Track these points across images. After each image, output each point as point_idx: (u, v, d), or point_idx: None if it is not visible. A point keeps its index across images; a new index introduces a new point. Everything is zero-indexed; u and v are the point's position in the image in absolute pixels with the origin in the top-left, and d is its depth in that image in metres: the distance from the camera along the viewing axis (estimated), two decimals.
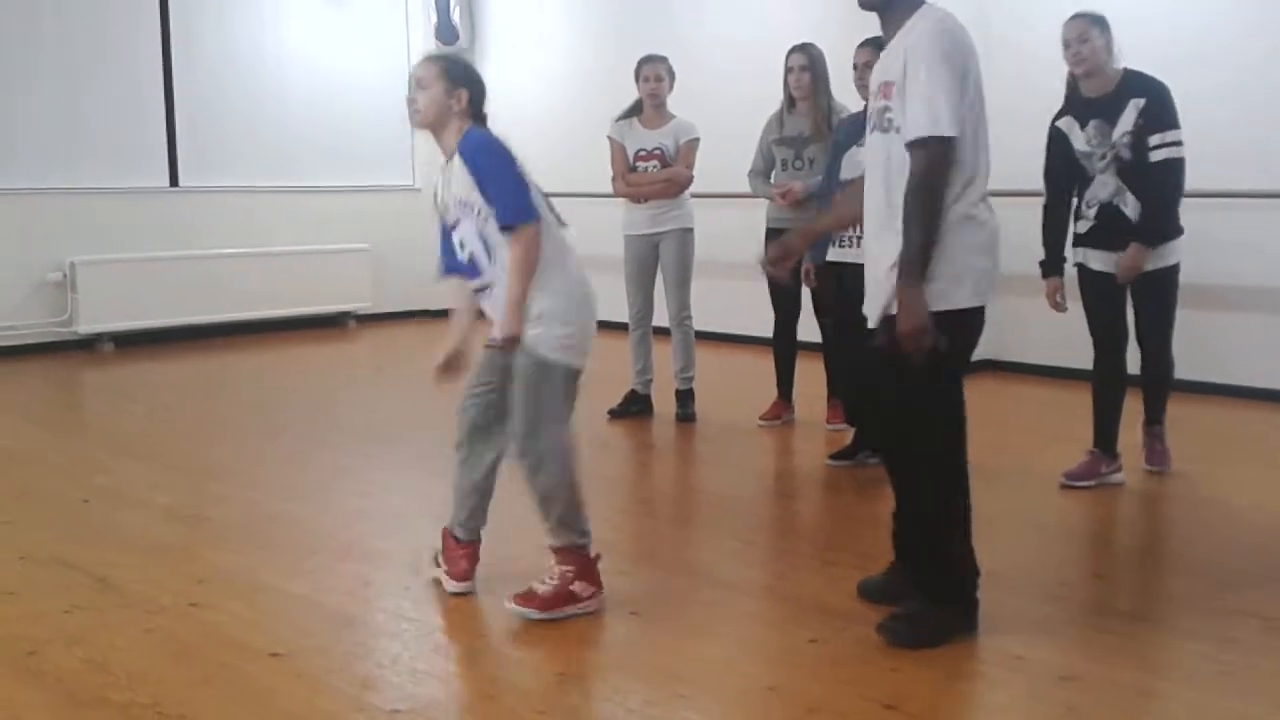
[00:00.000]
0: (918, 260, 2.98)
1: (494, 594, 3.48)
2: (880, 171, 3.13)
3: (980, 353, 7.40)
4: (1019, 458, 5.11)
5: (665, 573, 3.77)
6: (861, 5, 3.22)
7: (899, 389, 3.13)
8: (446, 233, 3.44)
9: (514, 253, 3.26)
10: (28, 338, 8.18)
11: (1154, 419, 4.82)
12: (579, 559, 3.36)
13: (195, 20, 8.92)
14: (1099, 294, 4.60)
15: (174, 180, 8.93)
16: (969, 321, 3.17)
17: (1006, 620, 3.30)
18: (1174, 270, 4.55)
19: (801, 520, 4.18)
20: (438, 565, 3.58)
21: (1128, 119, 4.39)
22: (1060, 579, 3.78)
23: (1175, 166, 4.40)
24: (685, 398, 6.01)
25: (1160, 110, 4.37)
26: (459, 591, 3.48)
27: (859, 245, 4.26)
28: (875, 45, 4.69)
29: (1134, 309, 4.63)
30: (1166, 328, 4.63)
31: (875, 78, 3.22)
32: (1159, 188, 4.42)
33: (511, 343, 3.27)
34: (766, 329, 5.81)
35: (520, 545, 3.75)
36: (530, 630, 3.27)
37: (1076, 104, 4.57)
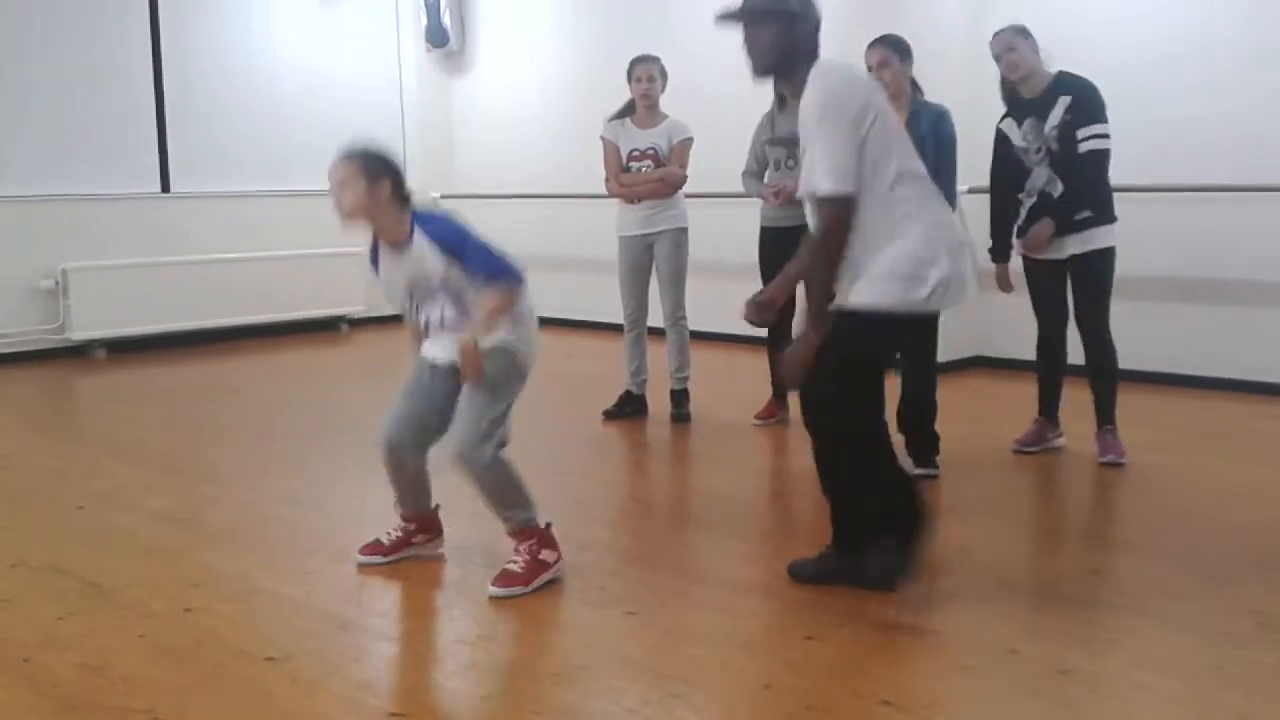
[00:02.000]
0: (817, 302, 3.25)
1: (487, 596, 3.48)
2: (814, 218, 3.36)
3: (967, 348, 7.51)
4: (1006, 452, 5.12)
5: (661, 572, 3.77)
6: (754, 75, 3.46)
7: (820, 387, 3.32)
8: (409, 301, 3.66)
9: (498, 299, 3.48)
10: (20, 345, 8.15)
11: (1106, 420, 4.94)
12: (536, 532, 3.59)
13: (186, 26, 8.91)
14: (1041, 280, 5.01)
15: (165, 186, 8.91)
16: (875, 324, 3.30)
17: (1001, 614, 3.31)
18: (1108, 254, 4.85)
19: (797, 519, 4.18)
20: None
21: (1056, 114, 4.77)
22: (1053, 573, 3.79)
23: (1100, 157, 4.75)
24: (680, 398, 6.01)
25: (1086, 106, 4.75)
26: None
27: None
28: (887, 44, 4.74)
29: (1072, 290, 4.95)
30: (1101, 310, 4.89)
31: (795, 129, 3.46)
32: (1081, 174, 4.76)
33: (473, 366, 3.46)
34: (760, 329, 5.80)
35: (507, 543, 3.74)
36: (526, 630, 3.27)
37: (1014, 106, 4.98)
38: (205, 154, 9.05)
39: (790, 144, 5.49)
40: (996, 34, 4.92)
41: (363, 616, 3.39)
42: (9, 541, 4.13)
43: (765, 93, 5.69)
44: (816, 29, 3.41)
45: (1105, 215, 4.82)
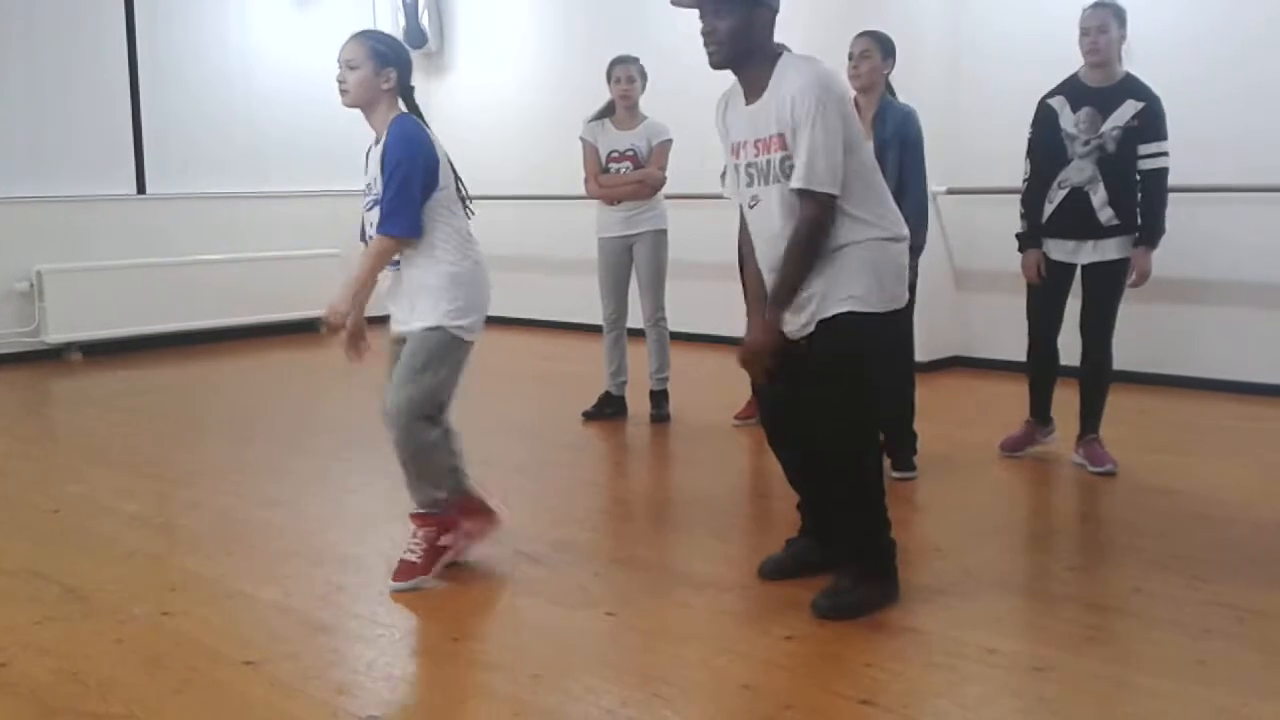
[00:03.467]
0: (788, 294, 3.25)
1: (467, 598, 3.47)
2: (789, 220, 3.25)
3: (948, 349, 7.53)
4: (987, 452, 5.14)
5: (641, 573, 3.77)
6: (713, 66, 3.27)
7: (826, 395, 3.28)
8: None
9: (372, 247, 3.47)
10: None
11: (1090, 429, 4.86)
12: (436, 519, 3.61)
13: (161, 27, 8.86)
14: (1050, 282, 4.81)
15: (141, 187, 8.87)
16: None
17: (979, 613, 3.32)
18: (1127, 264, 4.69)
19: (776, 519, 4.18)
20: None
21: (1122, 115, 4.56)
22: (1032, 571, 3.81)
23: (1164, 177, 4.62)
24: (660, 398, 6.01)
25: (1156, 120, 4.58)
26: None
27: None
28: (873, 36, 4.73)
29: (1083, 298, 4.78)
30: (1109, 320, 4.77)
31: (753, 131, 3.29)
32: (1153, 194, 4.61)
33: (336, 317, 3.49)
34: (740, 329, 5.80)
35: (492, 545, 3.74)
36: (505, 632, 3.27)
37: (1072, 87, 4.71)
38: (181, 155, 9.01)
39: None
40: (1095, 6, 4.63)
41: (341, 619, 3.37)
42: None
43: None
44: (775, 15, 3.27)
45: (1133, 225, 4.66)
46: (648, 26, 8.40)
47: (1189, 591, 3.46)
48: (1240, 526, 4.12)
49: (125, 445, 5.75)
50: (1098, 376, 4.83)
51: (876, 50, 4.71)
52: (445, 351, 3.52)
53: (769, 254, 3.37)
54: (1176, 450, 5.28)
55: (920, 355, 6.81)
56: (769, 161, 3.26)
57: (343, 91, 3.46)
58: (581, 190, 6.12)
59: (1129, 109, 4.56)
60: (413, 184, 3.41)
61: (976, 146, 7.02)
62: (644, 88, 5.94)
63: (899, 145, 4.62)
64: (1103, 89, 4.62)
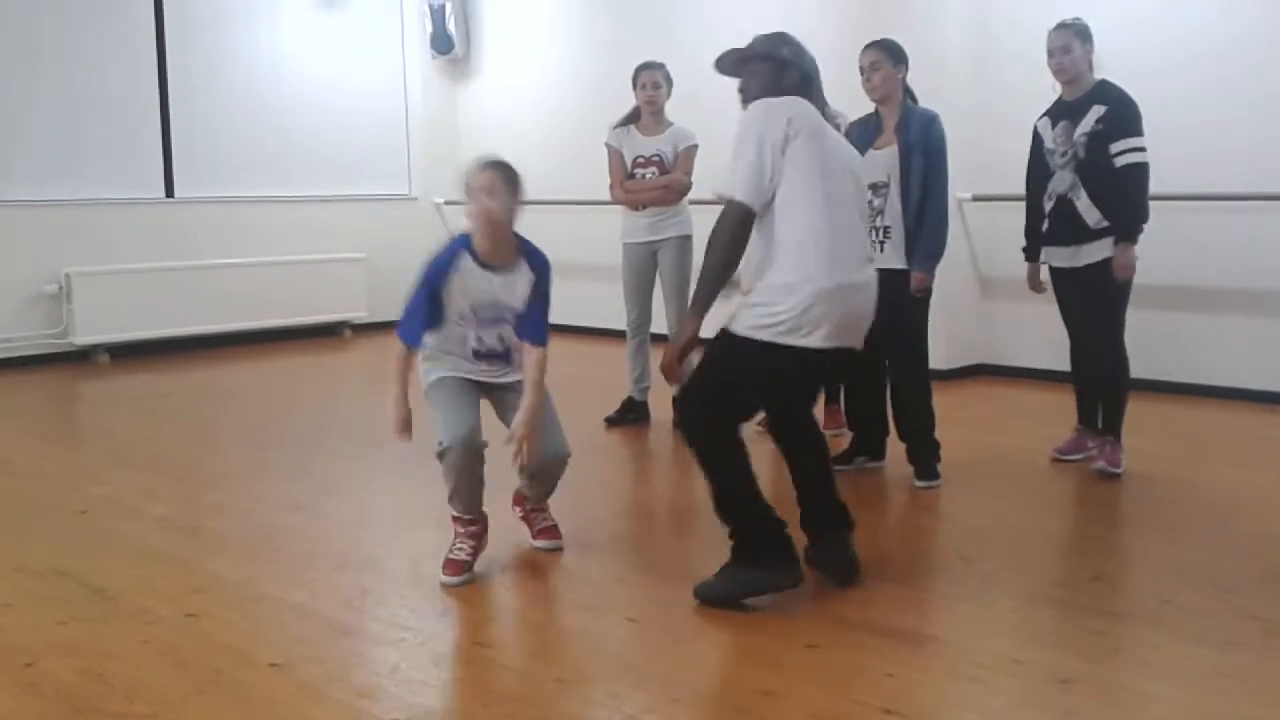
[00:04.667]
0: (706, 292, 3.41)
1: (488, 602, 3.48)
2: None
3: (971, 356, 7.50)
4: (1010, 460, 5.11)
5: (663, 579, 3.76)
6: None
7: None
8: (431, 307, 3.67)
9: (541, 362, 3.73)
10: (23, 350, 8.17)
11: (1110, 429, 4.87)
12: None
13: (190, 32, 8.93)
14: (1061, 290, 5.01)
15: (169, 191, 8.93)
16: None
17: (1003, 622, 3.30)
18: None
19: (797, 526, 4.16)
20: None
21: (1087, 122, 4.74)
22: (1057, 581, 3.78)
23: (1138, 170, 4.68)
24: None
25: (1121, 119, 4.69)
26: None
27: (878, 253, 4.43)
28: (879, 47, 4.75)
29: (1087, 304, 4.86)
30: (1111, 321, 4.83)
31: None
32: (1126, 189, 4.68)
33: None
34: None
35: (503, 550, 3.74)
36: (528, 637, 3.27)
37: (1055, 107, 4.94)
38: (209, 159, 9.07)
39: None
40: (1058, 28, 4.84)
41: (365, 623, 3.38)
42: (11, 546, 4.13)
43: None
44: (806, 79, 3.53)
45: (1132, 232, 4.72)
46: (672, 32, 8.42)
47: (1214, 603, 3.43)
48: (1265, 538, 4.08)
49: (151, 447, 5.78)
50: (1110, 377, 4.89)
51: (885, 59, 4.75)
52: None
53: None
54: (1202, 460, 5.24)
55: (944, 363, 6.82)
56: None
57: (487, 222, 3.60)
58: (606, 195, 6.13)
59: (1094, 114, 4.71)
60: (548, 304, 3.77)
61: (1003, 153, 6.96)
62: (669, 93, 5.95)
63: (923, 153, 4.65)
64: (1074, 101, 4.82)
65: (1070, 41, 4.78)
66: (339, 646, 3.21)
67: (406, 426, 3.70)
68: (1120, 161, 4.67)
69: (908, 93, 4.82)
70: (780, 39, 3.59)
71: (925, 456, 4.80)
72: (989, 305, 7.34)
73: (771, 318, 3.34)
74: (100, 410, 7.21)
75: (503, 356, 3.79)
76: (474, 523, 3.78)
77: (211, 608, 3.48)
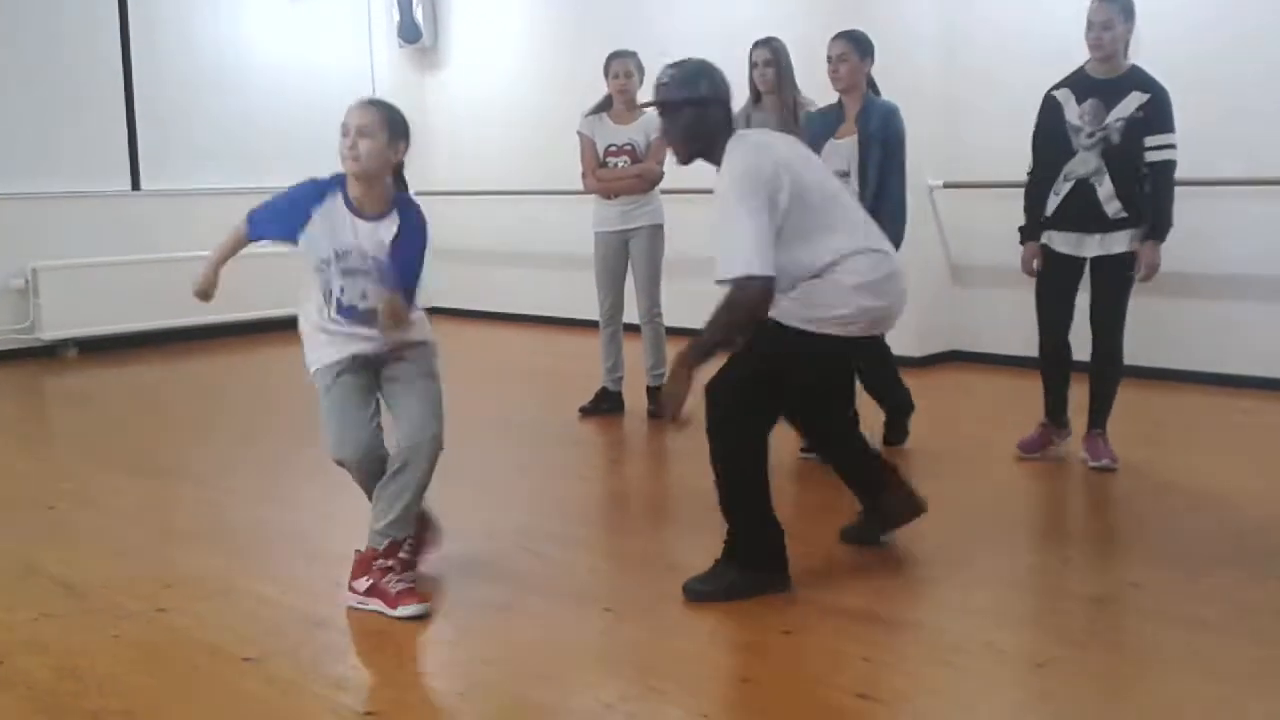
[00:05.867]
0: (700, 355, 3.27)
1: (465, 594, 3.47)
2: None
3: (942, 343, 7.53)
4: (982, 446, 5.14)
5: (638, 568, 3.77)
6: (679, 161, 3.54)
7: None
8: (290, 217, 3.56)
9: (404, 308, 3.38)
10: None
11: (1096, 423, 4.82)
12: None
13: (155, 22, 8.83)
14: (1056, 276, 4.75)
15: (136, 184, 8.84)
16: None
17: (978, 607, 3.32)
18: (1134, 257, 4.63)
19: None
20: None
21: (1126, 107, 4.53)
22: (1029, 565, 3.81)
23: (1171, 168, 4.56)
24: (656, 394, 6.00)
25: (1163, 112, 4.53)
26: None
27: None
28: (849, 38, 4.79)
29: (1091, 292, 4.73)
30: (1119, 315, 4.71)
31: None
32: (1159, 187, 4.56)
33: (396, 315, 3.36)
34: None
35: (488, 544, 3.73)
36: (503, 627, 3.27)
37: (1077, 79, 4.68)
38: (176, 151, 8.98)
39: None
40: (1102, 1, 4.57)
41: (338, 615, 3.37)
42: None
43: (739, 89, 5.68)
44: (727, 106, 3.49)
45: (1140, 219, 4.59)
46: (641, 22, 8.40)
47: (1187, 585, 3.46)
48: (1236, 520, 4.12)
49: (120, 442, 5.74)
50: (1108, 371, 4.78)
51: (853, 51, 4.80)
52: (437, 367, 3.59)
53: None
54: (1174, 444, 5.29)
55: (915, 349, 6.85)
56: None
57: (352, 159, 3.33)
58: (577, 185, 6.11)
59: (1134, 100, 4.52)
60: (423, 259, 3.48)
61: (973, 140, 7.02)
62: (641, 82, 5.93)
63: (881, 144, 4.72)
64: (1108, 80, 4.59)
65: (1113, 17, 4.53)
66: (313, 639, 3.19)
67: (206, 296, 3.61)
68: (1157, 156, 4.52)
69: (870, 84, 4.88)
70: (696, 72, 3.45)
71: (900, 422, 5.06)
72: (959, 292, 7.37)
73: (825, 311, 3.35)
74: (68, 405, 7.14)
75: (364, 318, 3.46)
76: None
77: (183, 602, 3.45)
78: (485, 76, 10.01)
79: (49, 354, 8.29)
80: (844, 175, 4.72)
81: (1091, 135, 4.59)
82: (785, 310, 3.36)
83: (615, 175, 5.89)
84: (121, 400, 6.91)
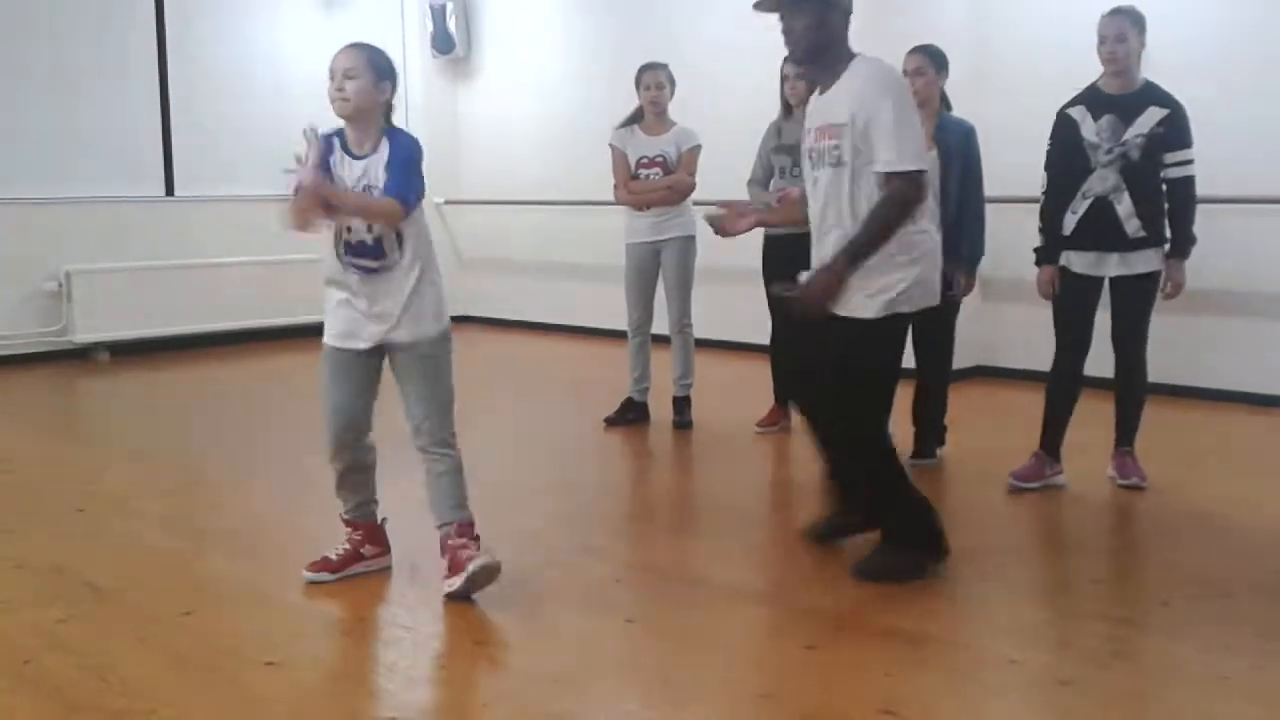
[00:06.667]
0: (854, 259, 3.43)
1: (488, 603, 3.47)
2: (844, 204, 3.51)
3: (971, 358, 7.49)
4: (1009, 462, 5.10)
5: (661, 579, 3.76)
6: (792, 61, 3.72)
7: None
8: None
9: (377, 202, 3.42)
10: (23, 347, 8.16)
11: (1124, 441, 4.76)
12: (367, 526, 3.68)
13: (191, 30, 8.92)
14: (1075, 297, 4.63)
15: (169, 189, 8.92)
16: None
17: (1002, 624, 3.30)
18: (1155, 277, 4.58)
19: (798, 527, 4.17)
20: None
21: (1145, 122, 4.45)
22: (1057, 583, 3.79)
23: (1191, 184, 4.53)
24: (682, 405, 6.00)
25: (1180, 127, 4.48)
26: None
27: None
28: (925, 52, 4.93)
29: (1112, 312, 4.65)
30: (1141, 334, 4.65)
31: (814, 119, 3.60)
32: (1181, 203, 4.53)
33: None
34: (765, 336, 5.81)
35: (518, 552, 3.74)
36: (526, 637, 3.27)
37: (1092, 96, 4.60)
38: (209, 158, 9.05)
39: (795, 152, 5.49)
40: (1113, 13, 4.51)
41: (362, 620, 3.38)
42: (10, 544, 4.12)
43: (771, 101, 5.70)
44: (848, 16, 3.56)
45: (1160, 237, 4.53)
46: (673, 34, 8.42)
47: (1212, 606, 3.43)
48: (1261, 540, 4.08)
49: (151, 445, 5.78)
50: (1132, 389, 4.71)
51: (929, 65, 4.88)
52: (449, 359, 3.58)
53: (824, 231, 3.61)
54: (1203, 463, 5.23)
55: None
56: (824, 148, 3.53)
57: (341, 100, 3.43)
58: (607, 195, 6.12)
59: (1153, 115, 4.44)
60: (418, 171, 3.47)
61: (1002, 156, 6.97)
62: (672, 94, 5.95)
63: (963, 161, 4.82)
64: (1124, 96, 4.50)
65: (1126, 30, 4.45)
66: (337, 645, 3.21)
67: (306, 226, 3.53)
68: (1177, 173, 4.48)
69: (943, 99, 4.92)
70: None
71: (931, 440, 5.07)
72: (989, 307, 7.33)
73: (893, 291, 3.48)
74: (99, 408, 7.20)
75: (374, 251, 3.50)
76: (355, 528, 3.73)
77: (210, 605, 3.48)
78: (518, 87, 10.04)
79: (81, 357, 8.36)
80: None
81: (1110, 152, 4.49)
82: (858, 304, 3.49)
83: (647, 187, 5.89)
84: (152, 404, 6.97)
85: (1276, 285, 6.27)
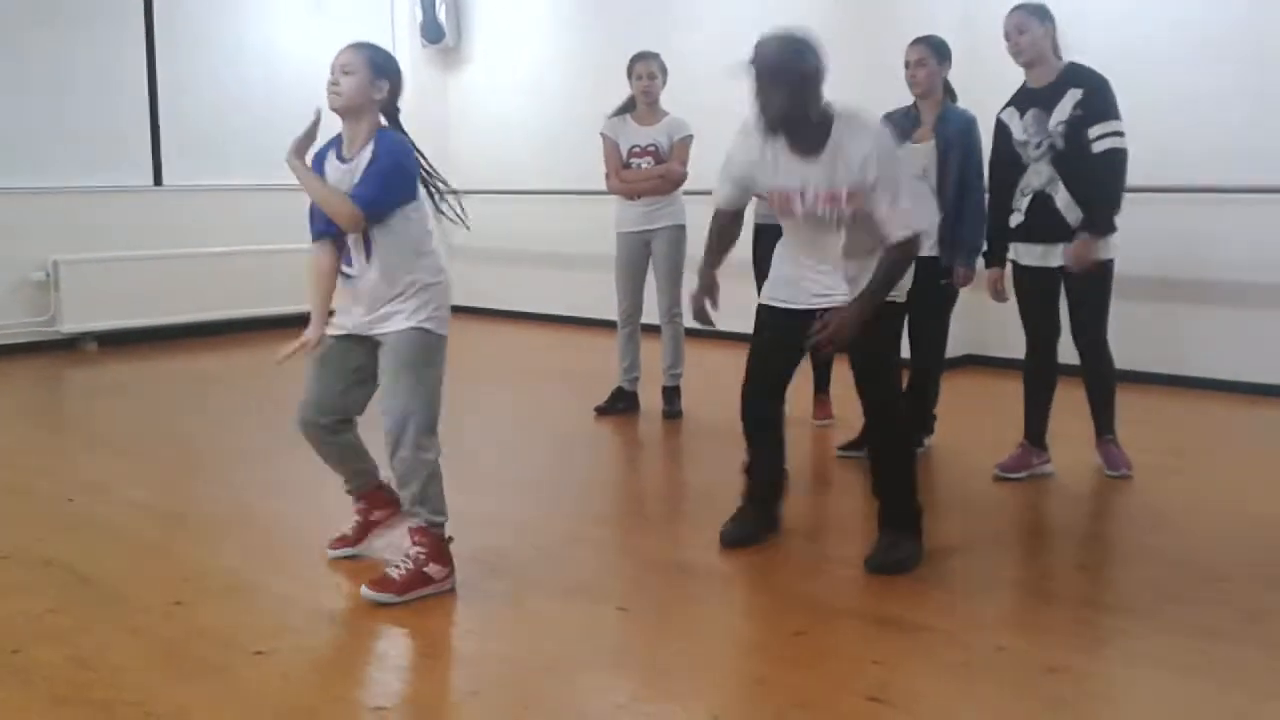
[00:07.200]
0: (880, 297, 3.58)
1: (478, 591, 3.48)
2: (836, 249, 3.67)
3: (961, 347, 7.51)
4: (998, 451, 5.11)
5: (652, 568, 3.77)
6: (769, 129, 3.56)
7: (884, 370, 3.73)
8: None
9: (332, 196, 3.43)
10: (10, 337, 8.13)
11: (1104, 430, 4.78)
12: (433, 540, 3.46)
13: (179, 19, 8.88)
14: (1031, 289, 4.67)
15: (158, 179, 8.89)
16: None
17: (990, 611, 3.32)
18: (1109, 265, 4.58)
19: (786, 514, 4.18)
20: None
21: (1064, 108, 4.44)
22: (1043, 571, 3.80)
23: (1118, 156, 4.41)
24: (672, 394, 6.01)
25: (1099, 101, 4.42)
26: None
27: None
28: (927, 43, 4.91)
29: (1069, 304, 4.66)
30: (1099, 323, 4.66)
31: (806, 180, 3.57)
32: (1103, 177, 4.43)
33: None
34: (750, 327, 5.79)
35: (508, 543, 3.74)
36: (516, 625, 3.27)
37: (1019, 95, 4.65)
38: (198, 147, 9.02)
39: None
40: (1012, 10, 4.57)
41: (351, 610, 3.38)
42: None
43: None
44: (824, 78, 3.55)
45: (1111, 224, 4.51)
46: (665, 23, 8.41)
47: (1196, 592, 3.45)
48: (1245, 527, 4.10)
49: (139, 435, 5.77)
50: (1100, 377, 4.72)
51: (931, 56, 4.86)
52: (432, 353, 3.47)
53: (808, 260, 3.76)
54: (1187, 451, 5.25)
55: None
56: (831, 211, 3.58)
57: (334, 94, 3.42)
58: (598, 185, 6.12)
59: (1070, 99, 4.42)
60: (393, 181, 3.39)
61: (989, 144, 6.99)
62: (664, 83, 5.94)
63: (962, 151, 4.78)
64: (1044, 88, 4.52)
65: (1026, 21, 4.49)
66: (325, 634, 3.21)
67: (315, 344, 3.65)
68: (1099, 146, 4.38)
69: (948, 89, 4.91)
70: (801, 48, 3.48)
71: (920, 428, 5.06)
72: (978, 297, 7.34)
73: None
74: (88, 398, 7.18)
75: (345, 257, 3.56)
76: (357, 498, 3.83)
77: (198, 595, 3.47)
78: (508, 76, 10.02)
79: (69, 347, 8.34)
80: (919, 179, 4.74)
81: (1039, 146, 4.51)
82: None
83: (639, 176, 5.89)
84: (140, 394, 6.95)
85: (1264, 274, 6.28)
